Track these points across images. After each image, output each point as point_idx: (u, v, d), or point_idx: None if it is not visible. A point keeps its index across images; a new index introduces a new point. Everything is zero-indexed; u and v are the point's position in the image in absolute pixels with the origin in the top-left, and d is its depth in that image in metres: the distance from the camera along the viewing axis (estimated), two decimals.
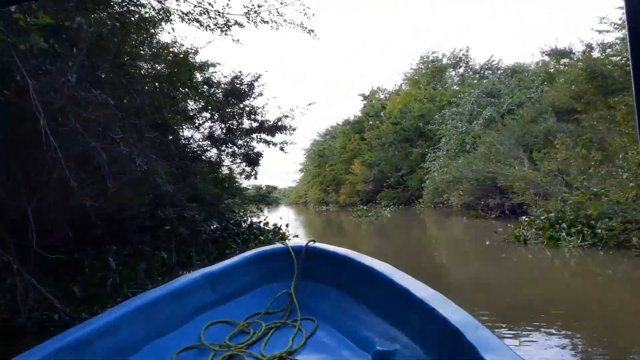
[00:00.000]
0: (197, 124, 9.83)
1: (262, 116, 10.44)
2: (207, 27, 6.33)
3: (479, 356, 1.46)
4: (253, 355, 2.18)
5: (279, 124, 10.55)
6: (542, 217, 10.27)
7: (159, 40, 7.44)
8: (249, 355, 2.18)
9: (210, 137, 10.11)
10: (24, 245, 5.53)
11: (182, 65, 7.83)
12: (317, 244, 2.92)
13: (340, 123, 41.34)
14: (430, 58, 36.56)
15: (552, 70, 20.95)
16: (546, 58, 21.96)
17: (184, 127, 9.80)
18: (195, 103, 9.72)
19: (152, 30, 6.58)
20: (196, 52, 9.24)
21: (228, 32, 6.43)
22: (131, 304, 2.21)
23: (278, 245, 3.02)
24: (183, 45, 7.99)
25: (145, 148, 6.18)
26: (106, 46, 4.65)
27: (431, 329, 1.84)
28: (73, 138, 4.08)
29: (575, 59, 18.48)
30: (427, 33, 75.63)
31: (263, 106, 10.26)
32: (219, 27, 6.30)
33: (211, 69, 9.78)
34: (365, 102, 41.49)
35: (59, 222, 4.96)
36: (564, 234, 9.22)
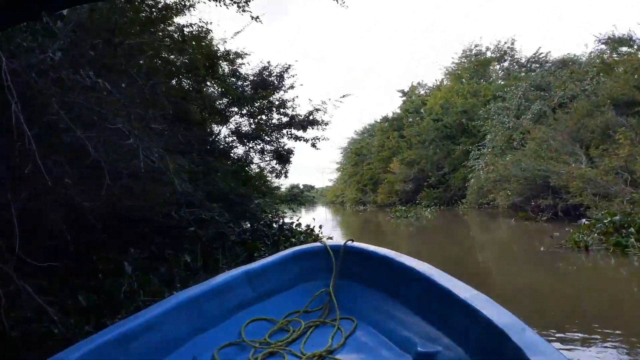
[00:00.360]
0: (224, 119, 9.22)
1: (292, 110, 9.74)
2: (223, 3, 5.66)
3: (526, 359, 1.41)
4: (293, 353, 2.19)
5: (311, 118, 9.81)
6: (605, 221, 9.12)
7: (178, 24, 6.85)
8: (289, 353, 2.19)
9: (237, 132, 9.48)
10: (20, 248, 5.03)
11: (205, 54, 7.22)
12: (356, 243, 2.91)
13: (378, 120, 40.33)
14: (473, 52, 34.93)
15: (609, 59, 19.30)
16: (602, 46, 20.31)
17: (210, 121, 9.21)
18: (222, 96, 9.11)
19: (167, 13, 5.98)
20: (224, 42, 8.64)
21: (246, 8, 5.75)
22: (174, 299, 2.27)
23: (316, 244, 3.04)
24: (208, 31, 7.40)
25: (154, 141, 5.58)
26: (100, 21, 4.07)
27: (474, 330, 1.81)
28: (55, 127, 3.48)
29: (636, 46, 16.92)
30: (468, 21, 72.88)
31: (293, 99, 9.56)
32: (235, 3, 5.62)
33: (239, 60, 9.15)
34: (404, 98, 40.30)
35: (54, 223, 4.40)
36: (632, 240, 8.09)
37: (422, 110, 34.49)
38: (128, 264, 6.55)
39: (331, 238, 11.85)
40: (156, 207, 5.88)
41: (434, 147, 30.59)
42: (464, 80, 33.34)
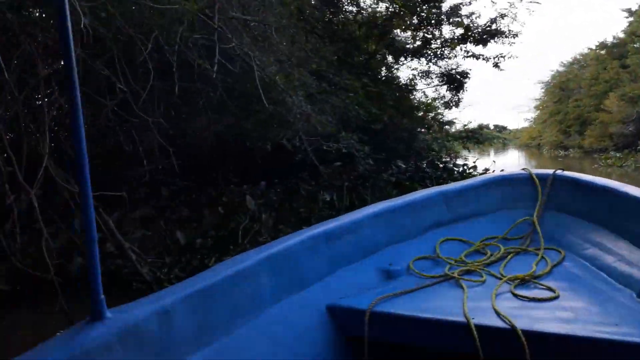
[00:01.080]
0: (381, 32, 7.51)
1: (469, 19, 7.52)
2: None
3: None
4: (492, 274, 2.07)
5: (493, 28, 7.46)
6: None
7: None
8: (487, 274, 2.07)
9: (398, 49, 7.71)
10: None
11: None
12: (567, 172, 2.73)
13: (593, 47, 33.05)
14: None
15: None
16: None
17: (366, 37, 7.63)
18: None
19: None
20: None
21: None
22: (372, 208, 2.33)
23: (521, 171, 2.89)
24: None
25: (272, 53, 4.40)
26: None
27: None
28: None
29: None
30: None
31: (470, 2, 7.32)
32: None
33: None
34: (630, 19, 32.04)
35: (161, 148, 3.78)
36: None
37: None
38: (251, 199, 5.71)
39: None
40: (270, 133, 4.79)
41: None
42: None
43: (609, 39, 32.02)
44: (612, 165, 17.99)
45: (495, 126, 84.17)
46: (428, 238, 2.40)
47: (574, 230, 2.44)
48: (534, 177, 2.73)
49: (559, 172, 2.72)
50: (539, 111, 47.43)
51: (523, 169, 2.89)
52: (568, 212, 2.56)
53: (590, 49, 33.75)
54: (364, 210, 2.29)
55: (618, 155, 19.95)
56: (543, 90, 45.62)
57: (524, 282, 1.94)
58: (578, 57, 39.45)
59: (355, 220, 2.15)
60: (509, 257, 2.28)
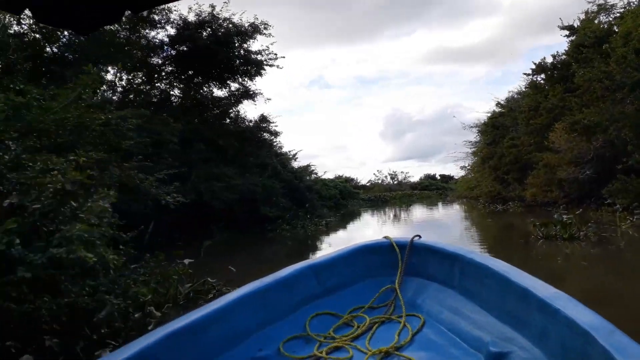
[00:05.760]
0: None
1: None
2: None
3: None
4: (358, 348, 2.20)
5: None
6: None
7: None
8: (354, 348, 2.19)
9: None
10: None
11: None
12: (424, 240, 2.87)
13: (529, 72, 25.77)
14: None
15: None
16: None
17: None
18: None
19: None
20: None
21: None
22: (243, 291, 2.34)
23: (383, 239, 2.99)
24: None
25: None
26: None
27: (555, 331, 1.73)
28: None
29: None
30: None
31: None
32: None
33: None
34: (572, 38, 25.24)
35: None
36: None
37: (606, 45, 19.70)
38: None
39: None
40: None
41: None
42: None
43: (549, 59, 24.78)
44: (556, 237, 9.80)
45: (442, 176, 78.14)
46: (299, 315, 2.43)
47: (432, 295, 2.59)
48: (394, 244, 2.86)
49: (416, 239, 2.86)
50: (476, 157, 40.21)
51: (385, 237, 3.00)
52: (426, 277, 2.71)
53: (526, 74, 26.48)
54: (234, 294, 2.29)
55: (564, 218, 11.42)
56: (476, 132, 38.63)
57: (388, 355, 2.11)
58: (516, 95, 32.46)
59: (222, 308, 2.14)
60: (375, 327, 2.41)
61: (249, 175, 19.30)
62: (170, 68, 18.80)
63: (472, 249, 2.62)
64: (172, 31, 18.04)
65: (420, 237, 2.86)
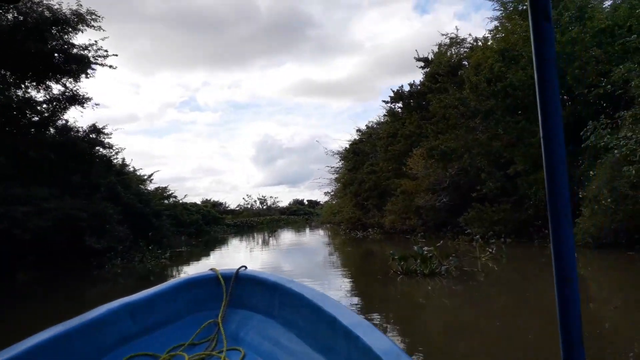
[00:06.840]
0: None
1: None
2: None
3: None
4: None
5: None
6: None
7: None
8: None
9: None
10: None
11: None
12: (249, 270, 2.79)
13: (387, 100, 25.76)
14: None
15: None
16: None
17: None
18: None
19: None
20: None
21: None
22: (39, 337, 1.97)
23: (208, 272, 2.83)
24: None
25: None
26: None
27: (355, 357, 1.78)
28: None
29: None
30: None
31: None
32: None
33: None
34: (426, 70, 25.89)
35: None
36: None
37: (460, 73, 20.09)
38: None
39: None
40: None
41: (492, 126, 16.17)
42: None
43: (406, 87, 24.96)
44: (415, 271, 8.55)
45: (309, 202, 78.87)
46: (111, 359, 2.15)
47: (255, 326, 2.51)
48: (220, 277, 2.72)
49: (242, 270, 2.74)
50: (338, 183, 39.95)
51: (211, 269, 2.83)
52: (250, 308, 2.60)
53: (385, 101, 26.45)
54: (29, 342, 1.89)
55: (426, 251, 10.24)
56: (339, 158, 38.38)
57: None
58: (374, 124, 32.67)
59: (17, 357, 1.78)
60: None
61: (69, 198, 15.51)
62: None
63: (293, 278, 2.27)
64: None
65: (246, 267, 2.76)
